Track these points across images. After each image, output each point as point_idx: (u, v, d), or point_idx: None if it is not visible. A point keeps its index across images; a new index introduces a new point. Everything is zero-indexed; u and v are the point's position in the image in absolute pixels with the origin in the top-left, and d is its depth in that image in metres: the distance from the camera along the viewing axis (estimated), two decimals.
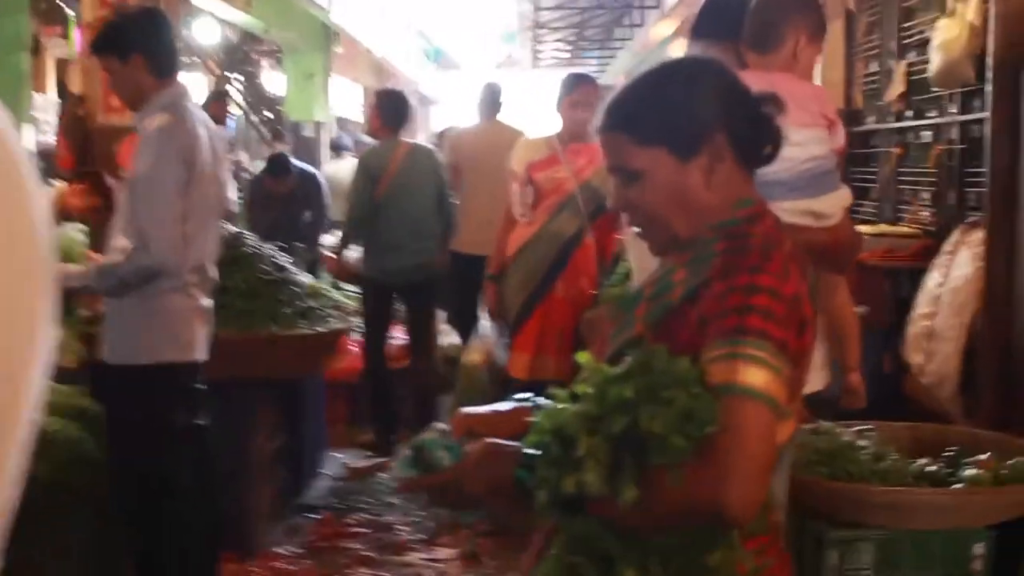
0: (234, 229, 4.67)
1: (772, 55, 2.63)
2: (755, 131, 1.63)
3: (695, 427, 1.35)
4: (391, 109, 6.07)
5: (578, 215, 5.11)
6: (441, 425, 1.65)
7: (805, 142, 2.38)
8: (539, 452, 1.45)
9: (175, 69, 3.48)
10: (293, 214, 8.32)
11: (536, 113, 7.28)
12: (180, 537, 3.46)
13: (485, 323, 5.18)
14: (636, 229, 1.69)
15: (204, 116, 3.54)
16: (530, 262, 5.08)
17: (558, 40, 16.81)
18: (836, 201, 2.53)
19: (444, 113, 26.22)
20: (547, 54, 19.09)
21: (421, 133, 25.45)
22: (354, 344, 6.44)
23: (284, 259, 4.87)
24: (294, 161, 8.62)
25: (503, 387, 5.05)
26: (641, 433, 1.35)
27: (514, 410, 1.71)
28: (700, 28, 2.89)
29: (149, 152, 3.30)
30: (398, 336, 6.40)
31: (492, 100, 6.67)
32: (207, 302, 3.56)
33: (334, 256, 6.45)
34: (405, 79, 22.76)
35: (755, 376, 1.39)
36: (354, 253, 6.23)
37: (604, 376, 1.43)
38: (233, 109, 14.31)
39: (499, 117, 6.74)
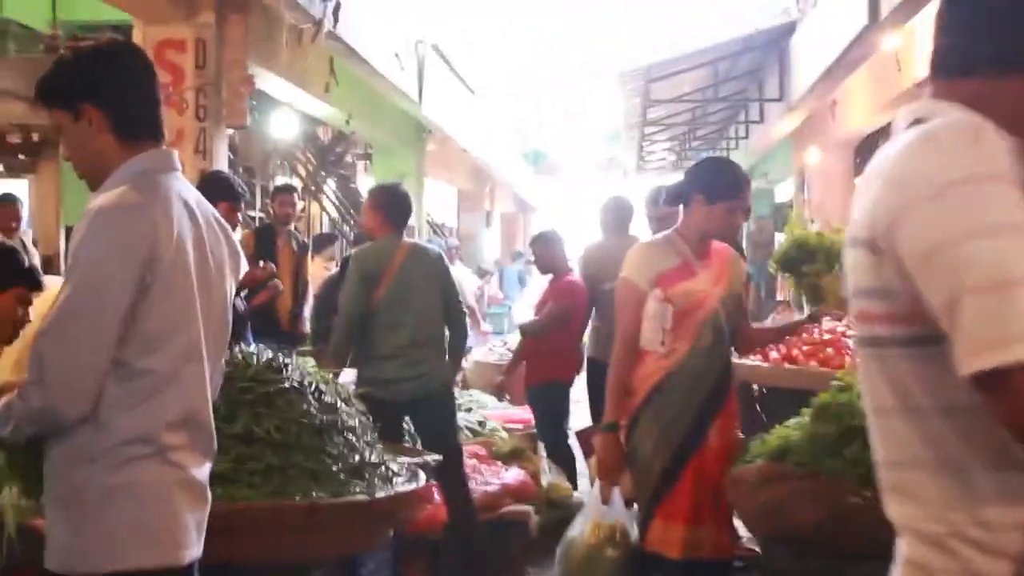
0: (269, 354, 3.53)
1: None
2: None
3: None
4: (394, 205, 5.26)
5: (722, 339, 3.88)
6: None
7: None
8: None
9: (151, 129, 2.39)
10: None
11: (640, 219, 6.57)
12: None
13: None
14: None
15: (195, 196, 2.44)
16: (674, 403, 3.84)
17: (668, 139, 15.78)
18: None
19: (542, 219, 25.34)
20: (654, 155, 18.06)
21: (519, 239, 24.67)
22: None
23: (338, 393, 3.69)
24: None
25: (645, 572, 3.82)
26: None
27: None
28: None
29: (78, 242, 2.23)
30: None
31: (620, 213, 6.58)
32: (201, 472, 2.42)
33: None
34: (503, 183, 21.93)
35: None
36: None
37: None
38: (315, 211, 13.59)
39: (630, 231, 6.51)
